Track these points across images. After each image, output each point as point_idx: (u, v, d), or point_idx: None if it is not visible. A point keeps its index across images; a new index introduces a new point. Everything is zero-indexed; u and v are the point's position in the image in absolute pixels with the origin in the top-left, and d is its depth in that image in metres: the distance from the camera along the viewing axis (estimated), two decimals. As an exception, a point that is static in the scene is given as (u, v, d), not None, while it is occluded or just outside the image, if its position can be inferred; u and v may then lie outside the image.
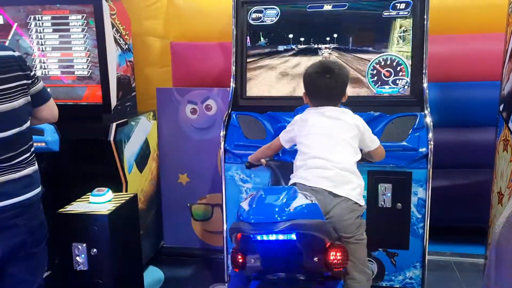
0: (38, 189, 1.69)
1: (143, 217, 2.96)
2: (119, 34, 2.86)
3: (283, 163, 2.17)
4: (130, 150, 2.75)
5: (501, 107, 2.35)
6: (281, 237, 1.51)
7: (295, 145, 2.02)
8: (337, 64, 1.99)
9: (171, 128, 3.20)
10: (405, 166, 2.29)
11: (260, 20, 2.72)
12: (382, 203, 2.35)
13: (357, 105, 2.47)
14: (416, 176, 2.30)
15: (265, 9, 2.71)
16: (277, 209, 1.49)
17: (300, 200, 1.58)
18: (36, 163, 1.72)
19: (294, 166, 1.94)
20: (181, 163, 3.22)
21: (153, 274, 3.00)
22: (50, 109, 1.79)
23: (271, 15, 2.71)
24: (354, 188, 1.84)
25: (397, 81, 2.55)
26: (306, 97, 2.01)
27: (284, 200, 1.53)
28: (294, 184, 1.85)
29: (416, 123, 2.35)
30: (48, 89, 1.84)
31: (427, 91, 2.46)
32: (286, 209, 1.51)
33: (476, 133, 3.04)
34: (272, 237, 1.51)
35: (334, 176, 1.80)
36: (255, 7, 2.72)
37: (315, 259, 1.57)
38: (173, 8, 3.48)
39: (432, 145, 2.26)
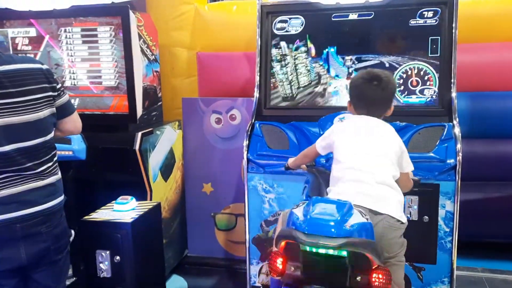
0: (61, 198, 1.72)
1: (167, 225, 2.99)
2: (146, 45, 2.92)
3: (325, 170, 2.11)
4: (155, 159, 2.78)
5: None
6: (331, 251, 1.47)
7: (332, 152, 1.97)
8: (386, 73, 1.92)
9: (196, 138, 3.22)
10: (432, 178, 2.23)
11: (285, 30, 2.72)
12: (409, 215, 2.28)
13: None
14: (443, 189, 2.23)
15: (290, 18, 2.71)
16: (333, 223, 1.48)
17: (357, 218, 1.54)
18: (59, 172, 1.75)
19: (331, 177, 1.89)
20: (205, 173, 3.23)
21: (176, 283, 3.01)
22: (73, 122, 1.83)
23: (296, 24, 2.70)
24: (394, 204, 1.76)
25: (425, 91, 2.49)
26: (350, 105, 1.95)
27: (341, 216, 1.51)
28: None
29: (444, 133, 2.28)
30: (77, 99, 1.88)
31: (456, 101, 2.39)
32: (343, 225, 1.49)
33: (510, 144, 2.94)
34: (322, 250, 1.47)
35: (373, 191, 1.73)
36: (280, 17, 2.72)
37: (358, 278, 1.52)
38: (199, 19, 3.52)
39: (461, 156, 2.19)
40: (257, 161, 2.47)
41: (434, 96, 2.47)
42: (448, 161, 2.20)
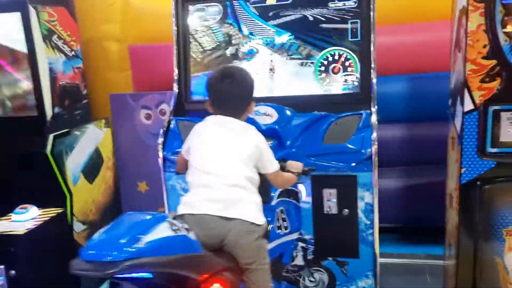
0: None
1: (96, 228, 2.86)
2: (62, 40, 2.77)
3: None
4: (75, 161, 2.65)
5: (450, 101, 2.17)
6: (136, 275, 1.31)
7: None
8: (240, 70, 1.82)
9: (126, 135, 3.10)
10: (349, 169, 2.13)
11: (203, 19, 2.58)
12: (328, 209, 2.19)
13: (304, 105, 2.34)
14: (361, 180, 2.13)
15: (207, 6, 2.57)
16: (117, 245, 1.27)
17: (158, 233, 1.37)
18: None
19: (187, 182, 1.78)
20: (139, 171, 3.12)
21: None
22: None
23: (213, 13, 2.56)
24: (247, 206, 1.66)
25: (346, 78, 2.37)
26: (209, 104, 1.83)
27: (134, 234, 1.32)
28: (182, 215, 1.63)
29: (360, 122, 2.17)
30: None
31: (375, 87, 2.28)
32: (132, 245, 1.28)
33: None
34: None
35: (223, 196, 1.63)
36: (197, 5, 2.58)
37: None
38: (129, 10, 3.37)
39: (376, 146, 2.09)
40: (174, 159, 2.35)
41: (355, 83, 2.36)
42: (364, 151, 2.10)
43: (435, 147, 2.58)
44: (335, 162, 2.12)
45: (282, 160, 1.96)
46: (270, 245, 1.95)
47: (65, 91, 2.76)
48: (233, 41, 2.50)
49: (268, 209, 1.91)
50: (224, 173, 1.65)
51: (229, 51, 2.50)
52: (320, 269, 2.27)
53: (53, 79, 2.66)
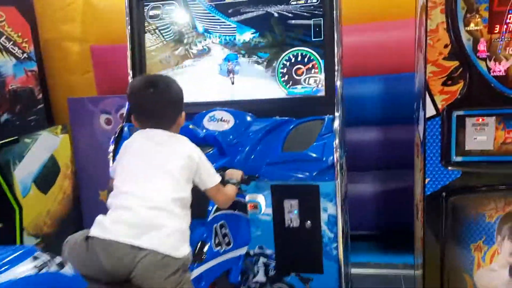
0: None
1: (51, 241, 2.70)
2: (11, 42, 2.60)
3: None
4: (25, 170, 2.49)
5: (415, 105, 2.03)
6: None
7: None
8: (165, 78, 1.65)
9: (86, 141, 2.93)
10: (311, 179, 1.98)
11: (159, 18, 2.42)
12: (289, 222, 2.04)
13: (266, 109, 2.20)
14: (323, 190, 1.99)
15: (163, 5, 2.41)
16: None
17: (11, 275, 1.02)
18: None
19: None
20: (100, 179, 2.95)
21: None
22: None
23: (169, 10, 2.40)
24: (167, 235, 1.44)
25: (310, 80, 2.23)
26: (133, 119, 1.65)
27: None
28: (92, 238, 1.43)
29: (323, 128, 2.03)
30: None
31: (340, 90, 2.14)
32: None
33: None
34: None
35: (139, 220, 1.42)
36: (153, 3, 2.42)
37: None
38: (89, 9, 3.20)
39: (339, 153, 1.94)
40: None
41: (320, 85, 2.21)
42: (325, 159, 1.95)
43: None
44: (295, 171, 1.97)
45: (221, 169, 1.82)
46: (210, 264, 1.80)
47: (16, 95, 2.59)
48: (185, 40, 2.34)
49: (203, 225, 1.76)
50: (144, 194, 1.46)
51: (181, 50, 2.34)
52: (283, 285, 2.13)
53: (1, 83, 2.49)
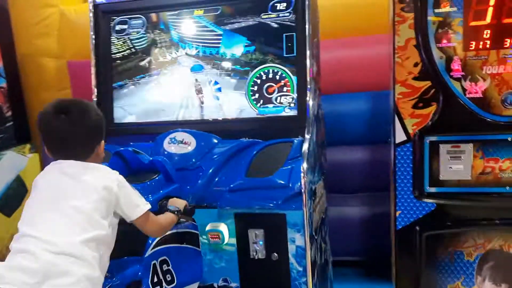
0: None
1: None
2: (-23, 57, 2.49)
3: None
4: (-15, 192, 2.36)
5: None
6: None
7: None
8: (81, 103, 1.48)
9: (57, 160, 2.79)
10: (277, 207, 1.81)
11: (125, 33, 2.29)
12: (254, 253, 1.87)
13: (234, 130, 2.05)
14: (290, 219, 1.82)
15: (130, 19, 2.29)
16: None
17: None
18: None
19: None
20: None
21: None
22: None
23: (137, 25, 2.28)
24: (71, 284, 1.27)
25: (282, 98, 2.08)
26: (46, 148, 1.49)
27: None
28: None
29: (291, 151, 1.87)
30: None
31: (315, 109, 1.99)
32: None
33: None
34: None
35: (39, 266, 1.25)
36: (119, 17, 2.30)
37: None
38: (66, 23, 3.09)
39: (307, 179, 1.78)
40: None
41: (292, 104, 2.06)
42: (291, 186, 1.78)
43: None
44: (259, 199, 1.81)
45: (164, 198, 1.67)
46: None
47: (-19, 113, 2.48)
48: (154, 51, 2.22)
49: (139, 262, 1.60)
50: (47, 237, 1.29)
51: (148, 61, 2.22)
52: (249, 323, 1.95)
53: (-37, 101, 2.39)
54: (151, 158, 1.81)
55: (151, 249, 1.64)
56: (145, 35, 2.25)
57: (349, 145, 2.81)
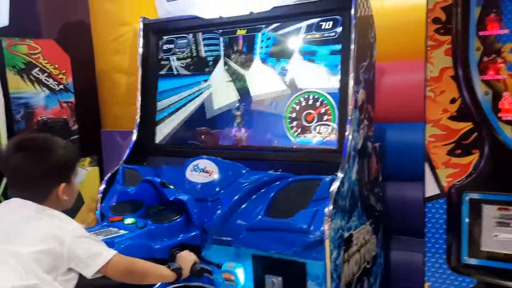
0: None
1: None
2: (46, 74, 2.64)
3: None
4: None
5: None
6: None
7: None
8: (45, 140, 1.37)
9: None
10: (296, 255, 1.58)
11: (171, 52, 2.25)
12: (272, 302, 1.66)
13: (267, 160, 1.87)
14: (311, 270, 1.57)
15: (176, 38, 2.24)
16: None
17: None
18: None
19: None
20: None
21: None
22: None
23: (182, 45, 2.22)
24: None
25: (321, 128, 1.84)
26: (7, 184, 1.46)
27: None
28: None
29: (317, 191, 1.62)
30: None
31: (353, 143, 1.72)
32: None
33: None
34: None
35: None
36: (166, 36, 2.27)
37: None
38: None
39: (331, 225, 1.52)
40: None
41: (333, 136, 1.81)
42: (312, 232, 1.54)
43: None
44: (277, 242, 1.60)
45: (178, 246, 1.52)
46: None
47: (46, 126, 2.61)
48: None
49: None
50: None
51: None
52: None
53: (28, 114, 2.53)
54: (177, 195, 1.70)
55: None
56: (189, 55, 2.18)
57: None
